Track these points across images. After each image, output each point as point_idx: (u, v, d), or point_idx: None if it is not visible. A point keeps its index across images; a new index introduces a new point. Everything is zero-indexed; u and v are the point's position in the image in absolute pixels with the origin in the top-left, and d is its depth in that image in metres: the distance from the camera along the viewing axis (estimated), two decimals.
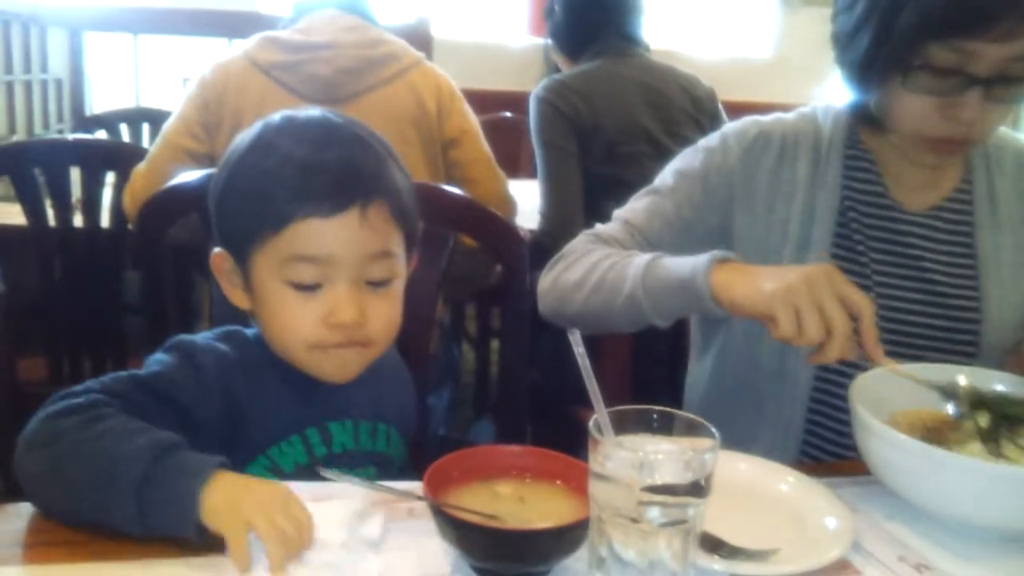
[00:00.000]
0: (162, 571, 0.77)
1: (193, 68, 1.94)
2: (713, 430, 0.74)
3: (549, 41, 2.57)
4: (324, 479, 0.82)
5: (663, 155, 2.10)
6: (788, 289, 0.99)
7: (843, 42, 1.22)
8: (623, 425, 0.75)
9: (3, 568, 0.76)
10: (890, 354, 1.19)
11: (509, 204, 1.98)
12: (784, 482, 0.99)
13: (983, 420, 0.97)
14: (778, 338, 1.00)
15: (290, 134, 0.97)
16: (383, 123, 1.77)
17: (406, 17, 3.65)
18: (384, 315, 0.99)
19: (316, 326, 0.95)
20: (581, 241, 1.30)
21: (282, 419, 1.00)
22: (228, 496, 0.78)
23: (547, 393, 2.07)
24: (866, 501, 0.97)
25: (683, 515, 0.70)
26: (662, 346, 1.80)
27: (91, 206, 2.08)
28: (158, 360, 0.95)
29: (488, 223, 1.43)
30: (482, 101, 2.33)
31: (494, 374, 2.86)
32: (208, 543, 0.78)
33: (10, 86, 3.33)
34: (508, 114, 3.64)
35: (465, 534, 0.77)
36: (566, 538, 0.77)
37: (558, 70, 2.54)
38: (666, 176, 1.33)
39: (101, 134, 3.13)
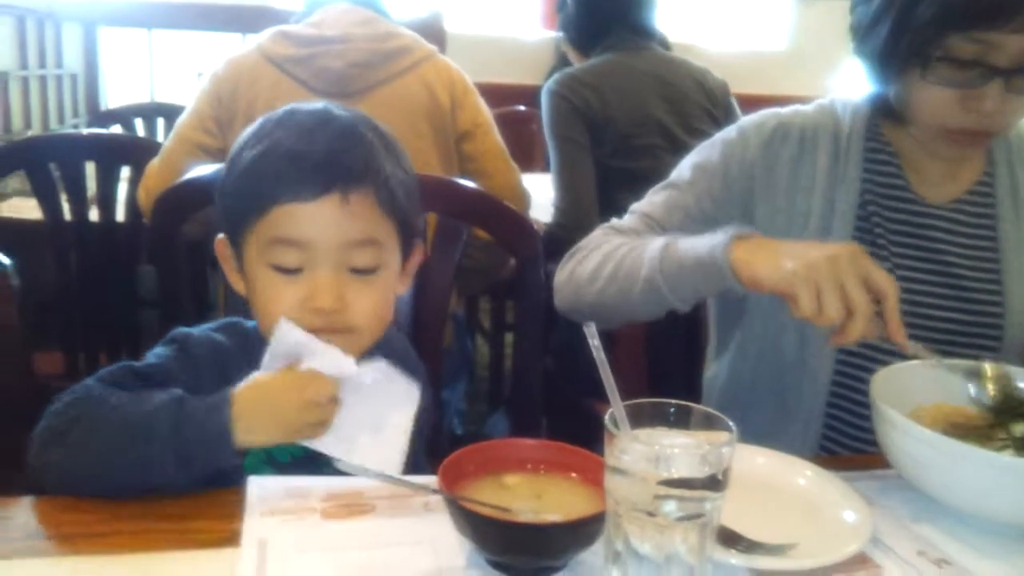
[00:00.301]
0: (165, 564, 0.77)
1: (207, 63, 1.94)
2: (730, 424, 0.73)
3: (560, 34, 2.56)
4: (335, 473, 0.82)
5: (677, 148, 2.10)
6: (810, 266, 0.98)
7: (862, 34, 1.21)
8: (639, 418, 0.75)
9: (10, 561, 0.76)
10: None
11: (523, 197, 1.98)
12: (802, 476, 0.98)
13: (1018, 429, 0.96)
14: (798, 316, 0.99)
15: (286, 124, 0.99)
16: (396, 116, 1.77)
17: (419, 11, 3.65)
18: (367, 303, 0.99)
19: (296, 310, 0.96)
20: (597, 234, 1.30)
21: None
22: (255, 413, 0.89)
23: (562, 386, 2.07)
24: (885, 495, 0.96)
25: (700, 509, 0.69)
26: (678, 339, 1.80)
27: (106, 201, 2.08)
28: (155, 353, 0.99)
29: (502, 216, 1.43)
30: (495, 95, 2.32)
31: (508, 368, 2.86)
32: (209, 540, 0.79)
33: (25, 81, 3.35)
34: (521, 108, 3.63)
35: (480, 528, 0.76)
36: (582, 532, 0.77)
37: (568, 64, 2.54)
38: (683, 170, 1.32)
39: (116, 129, 3.14)
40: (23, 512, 0.84)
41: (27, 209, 2.11)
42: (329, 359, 0.93)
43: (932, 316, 1.22)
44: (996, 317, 1.22)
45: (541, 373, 1.46)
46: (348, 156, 0.97)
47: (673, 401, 0.76)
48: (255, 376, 0.93)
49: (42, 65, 3.51)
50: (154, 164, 1.81)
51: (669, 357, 1.75)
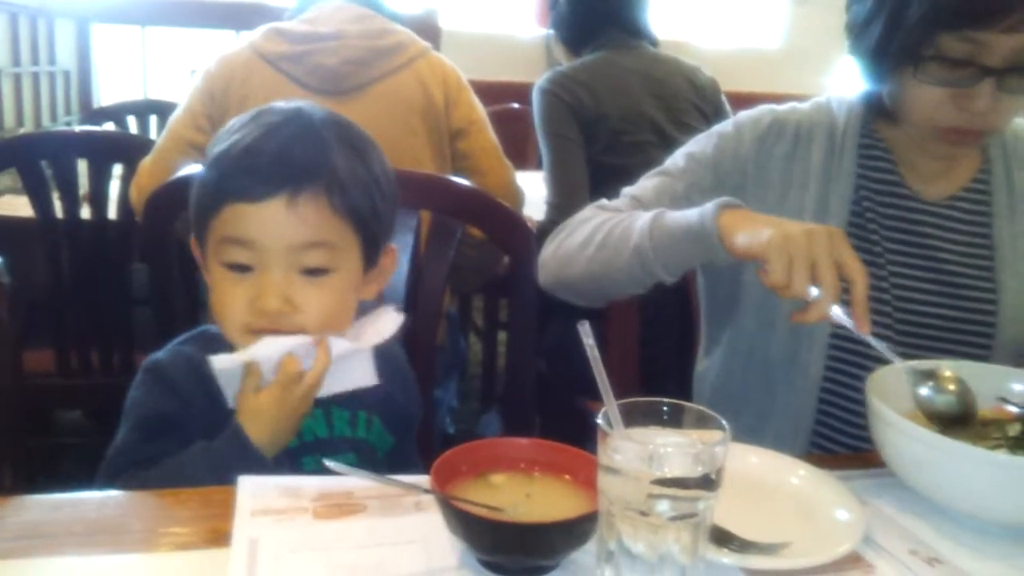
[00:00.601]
0: (155, 564, 0.77)
1: (200, 60, 1.93)
2: (724, 423, 0.73)
3: (551, 32, 2.57)
4: (327, 472, 0.82)
5: (668, 144, 2.10)
6: (786, 238, 1.00)
7: (856, 32, 1.22)
8: (632, 417, 0.74)
9: (10, 560, 0.76)
10: (903, 344, 1.19)
11: (517, 195, 1.97)
12: (795, 475, 0.97)
13: (1013, 428, 0.96)
14: (767, 285, 1.01)
15: (251, 123, 0.99)
16: (390, 114, 1.77)
17: (414, 8, 3.64)
18: (317, 305, 0.98)
19: (244, 309, 0.97)
20: (587, 211, 1.30)
21: None
22: (270, 434, 0.96)
23: (555, 385, 2.06)
24: (877, 494, 0.96)
25: (693, 508, 0.69)
26: (671, 336, 1.80)
27: (98, 198, 2.07)
28: (132, 398, 1.00)
29: (496, 214, 1.42)
30: (489, 92, 2.32)
31: (501, 366, 2.86)
32: (200, 541, 0.80)
33: (18, 78, 3.33)
34: (515, 105, 3.63)
35: (472, 527, 0.76)
36: (574, 531, 0.76)
37: (558, 62, 2.54)
38: (677, 158, 1.32)
39: (109, 126, 3.13)
40: (13, 512, 0.83)
41: (18, 207, 2.10)
42: (273, 348, 0.96)
43: (923, 313, 1.22)
44: (989, 315, 1.22)
45: (534, 372, 1.46)
46: (298, 156, 0.96)
47: (666, 400, 0.76)
48: (245, 406, 0.97)
49: (35, 62, 3.49)
50: (146, 162, 1.80)
51: (662, 356, 1.75)
